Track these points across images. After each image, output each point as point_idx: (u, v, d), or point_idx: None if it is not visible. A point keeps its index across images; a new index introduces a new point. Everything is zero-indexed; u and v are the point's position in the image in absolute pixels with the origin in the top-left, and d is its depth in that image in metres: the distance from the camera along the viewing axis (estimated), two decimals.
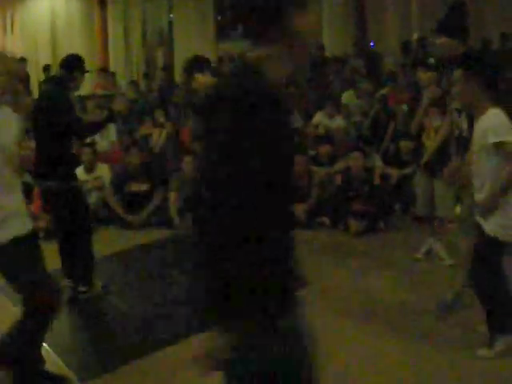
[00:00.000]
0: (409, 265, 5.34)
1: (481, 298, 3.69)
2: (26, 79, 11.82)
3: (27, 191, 6.59)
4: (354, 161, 6.76)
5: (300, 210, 6.81)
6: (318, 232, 6.69)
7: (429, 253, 5.41)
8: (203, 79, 4.51)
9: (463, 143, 4.13)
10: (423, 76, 5.21)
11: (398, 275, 5.13)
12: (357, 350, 3.82)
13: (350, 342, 3.95)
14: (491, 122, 3.46)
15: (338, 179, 7.07)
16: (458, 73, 3.78)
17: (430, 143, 5.08)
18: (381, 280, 5.03)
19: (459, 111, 4.22)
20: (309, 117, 8.75)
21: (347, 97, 8.91)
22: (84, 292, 4.89)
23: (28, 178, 6.24)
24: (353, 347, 3.87)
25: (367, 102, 8.79)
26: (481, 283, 3.65)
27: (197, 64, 4.71)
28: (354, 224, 6.42)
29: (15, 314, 4.59)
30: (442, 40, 4.31)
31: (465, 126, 4.12)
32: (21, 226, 3.32)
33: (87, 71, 5.10)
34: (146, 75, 12.83)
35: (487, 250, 3.57)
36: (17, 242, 3.26)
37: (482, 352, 3.66)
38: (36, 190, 6.43)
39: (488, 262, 3.58)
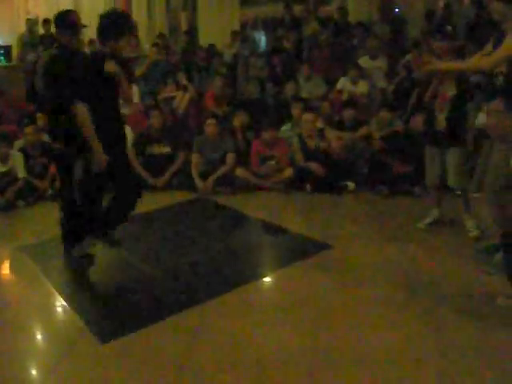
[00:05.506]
0: (428, 234, 5.30)
1: None
2: (51, 41, 11.79)
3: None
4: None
5: (318, 169, 6.85)
6: (342, 196, 6.70)
7: (433, 224, 5.41)
8: None
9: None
10: (438, 45, 5.03)
11: (418, 244, 5.08)
12: (376, 320, 3.75)
13: (368, 310, 3.89)
14: None
15: (376, 136, 7.08)
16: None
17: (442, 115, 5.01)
18: (401, 248, 5.00)
19: None
20: (332, 82, 8.65)
21: (363, 62, 8.75)
22: None
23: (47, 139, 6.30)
24: (372, 317, 3.80)
25: (385, 64, 8.71)
26: None
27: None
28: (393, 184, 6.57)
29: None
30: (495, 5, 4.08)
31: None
32: None
33: None
34: (170, 35, 12.79)
35: None
36: None
37: (503, 301, 3.56)
38: None
39: None
